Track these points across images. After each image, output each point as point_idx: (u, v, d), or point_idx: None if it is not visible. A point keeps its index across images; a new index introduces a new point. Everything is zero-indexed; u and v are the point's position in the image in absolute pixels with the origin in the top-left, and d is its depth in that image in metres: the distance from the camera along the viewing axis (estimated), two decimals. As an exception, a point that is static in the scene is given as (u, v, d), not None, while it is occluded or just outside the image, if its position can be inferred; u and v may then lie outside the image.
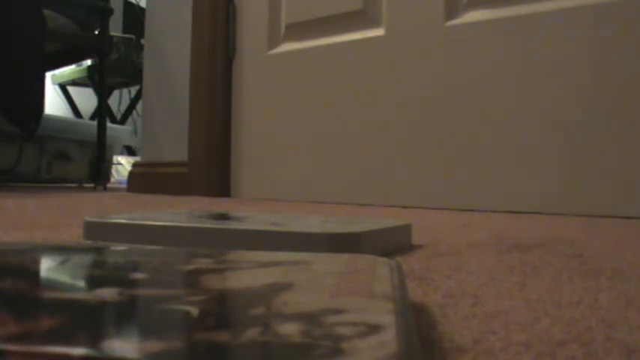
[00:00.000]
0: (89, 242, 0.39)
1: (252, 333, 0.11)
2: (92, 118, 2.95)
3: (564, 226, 0.62)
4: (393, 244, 0.39)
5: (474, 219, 0.72)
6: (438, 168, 0.99)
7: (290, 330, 0.11)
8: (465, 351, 0.17)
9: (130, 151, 3.08)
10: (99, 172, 1.75)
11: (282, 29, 1.24)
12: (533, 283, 0.27)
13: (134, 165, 1.55)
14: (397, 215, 0.77)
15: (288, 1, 1.22)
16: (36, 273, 0.19)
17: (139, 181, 1.49)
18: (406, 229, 0.42)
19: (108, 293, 0.15)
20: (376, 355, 0.10)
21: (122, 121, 3.00)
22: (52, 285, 0.17)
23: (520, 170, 0.90)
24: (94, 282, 0.17)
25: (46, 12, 1.58)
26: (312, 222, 0.40)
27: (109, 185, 1.92)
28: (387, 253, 0.36)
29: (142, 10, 2.63)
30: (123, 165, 2.75)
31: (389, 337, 0.11)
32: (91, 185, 1.83)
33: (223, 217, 0.44)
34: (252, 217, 0.45)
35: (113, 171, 2.55)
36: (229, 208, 0.87)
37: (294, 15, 1.21)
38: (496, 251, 0.39)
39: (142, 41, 2.02)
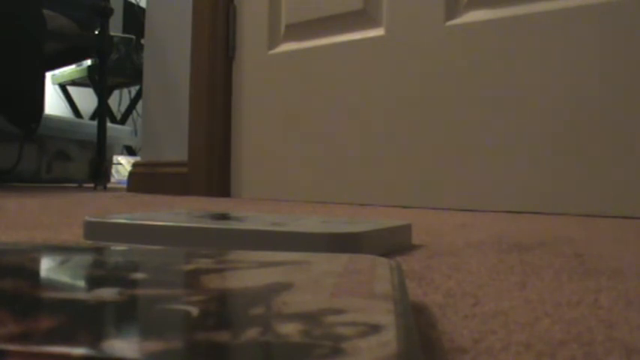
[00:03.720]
0: (89, 242, 0.39)
1: (252, 333, 0.11)
2: (92, 118, 2.96)
3: (564, 226, 0.62)
4: (393, 244, 0.39)
5: (473, 219, 0.72)
6: (437, 168, 0.99)
7: (290, 330, 0.11)
8: (465, 351, 0.17)
9: (130, 151, 3.08)
10: (99, 172, 1.75)
11: (282, 29, 1.24)
12: (533, 283, 0.27)
13: (134, 165, 1.55)
14: (397, 215, 0.77)
15: (288, 1, 1.22)
16: (36, 273, 0.19)
17: (139, 181, 1.49)
18: (406, 229, 0.42)
19: (108, 293, 0.15)
20: (376, 355, 0.10)
21: (122, 121, 3.00)
22: (52, 285, 0.17)
23: (520, 170, 0.90)
24: (94, 282, 0.17)
25: (46, 12, 1.58)
26: (312, 222, 0.40)
27: (109, 185, 1.92)
28: (387, 253, 0.36)
29: (142, 10, 2.63)
30: (123, 165, 2.75)
31: (389, 337, 0.11)
32: (91, 185, 1.83)
33: (223, 217, 0.44)
34: (252, 217, 0.45)
35: (113, 171, 2.55)
36: (229, 208, 0.87)
37: (294, 15, 1.21)
38: (496, 251, 0.39)
39: (142, 41, 2.02)
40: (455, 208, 0.96)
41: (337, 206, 0.99)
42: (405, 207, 0.99)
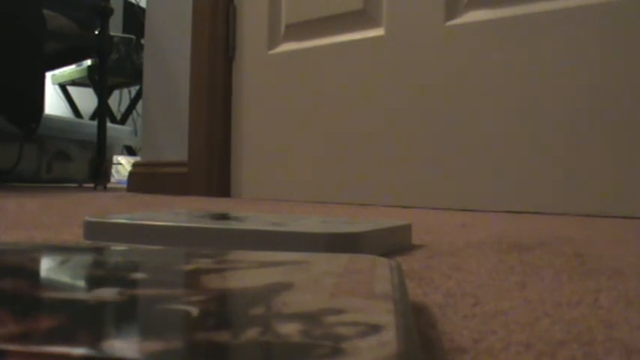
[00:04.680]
0: (89, 242, 0.39)
1: (252, 333, 0.11)
2: (92, 118, 2.96)
3: (564, 226, 0.62)
4: (392, 244, 0.39)
5: (473, 219, 0.72)
6: (437, 168, 0.99)
7: (290, 330, 0.11)
8: (465, 351, 0.17)
9: (130, 151, 3.08)
10: (99, 172, 1.75)
11: (282, 29, 1.24)
12: (533, 283, 0.27)
13: (134, 165, 1.55)
14: (397, 215, 0.77)
15: (288, 1, 1.22)
16: (36, 273, 0.19)
17: (139, 181, 1.49)
18: (406, 229, 0.42)
19: (108, 293, 0.15)
20: (376, 355, 0.10)
21: (122, 121, 3.00)
22: (52, 285, 0.17)
23: (520, 170, 0.90)
24: (94, 282, 0.17)
25: (47, 12, 1.58)
26: (311, 222, 0.40)
27: (109, 185, 1.92)
28: (387, 253, 0.36)
29: (142, 10, 2.63)
30: (123, 165, 2.75)
31: (389, 337, 0.11)
32: (91, 185, 1.83)
33: (223, 217, 0.44)
34: (252, 217, 0.45)
35: (113, 171, 2.55)
36: (229, 208, 0.87)
37: (294, 15, 1.21)
38: (496, 251, 0.39)
39: (142, 41, 2.02)
40: (455, 208, 0.96)
41: (337, 206, 0.99)
42: (405, 207, 0.99)
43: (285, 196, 1.20)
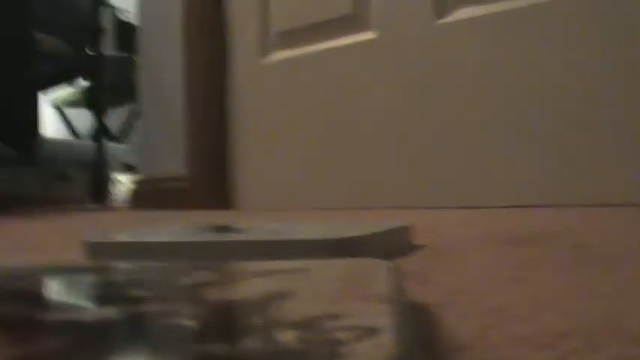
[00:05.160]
0: (91, 262, 0.39)
1: (251, 342, 0.11)
2: (91, 138, 2.96)
3: (563, 218, 0.62)
4: (393, 245, 0.39)
5: (473, 216, 0.72)
6: (434, 167, 0.99)
7: (289, 337, 0.11)
8: (466, 348, 0.17)
9: (129, 168, 3.08)
10: (99, 192, 1.75)
11: (273, 38, 1.24)
12: (533, 277, 0.27)
13: (134, 182, 1.55)
14: (397, 216, 0.77)
15: (277, 9, 1.23)
16: (38, 294, 0.19)
17: (139, 198, 1.49)
18: (406, 230, 0.42)
19: (109, 312, 0.15)
20: (374, 358, 0.10)
21: (121, 139, 3.00)
22: (54, 306, 0.17)
23: (517, 165, 0.90)
24: (95, 301, 0.17)
25: (38, 34, 1.58)
26: (312, 228, 0.40)
27: (109, 204, 1.92)
28: (388, 255, 0.36)
29: (134, 27, 2.63)
30: (123, 183, 2.75)
31: (387, 340, 0.11)
32: (92, 205, 1.84)
33: (225, 229, 0.44)
34: (253, 227, 0.45)
35: (113, 189, 2.55)
36: (230, 220, 0.87)
37: (283, 23, 1.21)
38: (496, 247, 0.39)
39: (136, 59, 2.02)
40: (453, 206, 0.96)
41: (337, 211, 0.99)
42: (405, 208, 0.99)
43: (286, 205, 1.20)
